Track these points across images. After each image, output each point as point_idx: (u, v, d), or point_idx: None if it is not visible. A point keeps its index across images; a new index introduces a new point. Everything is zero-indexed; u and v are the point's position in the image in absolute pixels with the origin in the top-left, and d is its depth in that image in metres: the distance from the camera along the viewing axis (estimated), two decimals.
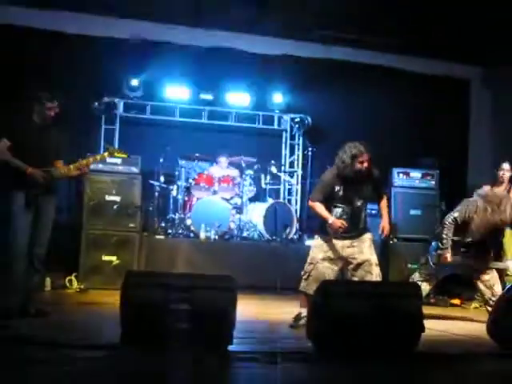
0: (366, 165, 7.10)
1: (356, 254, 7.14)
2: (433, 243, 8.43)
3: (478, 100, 14.18)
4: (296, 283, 7.39)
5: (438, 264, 8.21)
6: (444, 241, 8.22)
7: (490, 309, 7.59)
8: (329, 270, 7.11)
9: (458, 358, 5.66)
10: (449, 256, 8.19)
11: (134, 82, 12.38)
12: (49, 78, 10.91)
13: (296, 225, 11.84)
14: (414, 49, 13.03)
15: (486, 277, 8.12)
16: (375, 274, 7.09)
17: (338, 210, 7.18)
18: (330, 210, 7.20)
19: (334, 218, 7.09)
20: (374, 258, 7.21)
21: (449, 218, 8.26)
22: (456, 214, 8.24)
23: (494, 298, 7.76)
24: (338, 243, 7.15)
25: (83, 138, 11.58)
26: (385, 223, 7.52)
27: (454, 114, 13.82)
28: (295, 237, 11.77)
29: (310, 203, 7.39)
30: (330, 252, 7.14)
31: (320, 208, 7.22)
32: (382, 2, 11.35)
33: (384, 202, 7.61)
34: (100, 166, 10.03)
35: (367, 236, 7.27)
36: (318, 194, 7.33)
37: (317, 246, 7.27)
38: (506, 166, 9.97)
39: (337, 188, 7.18)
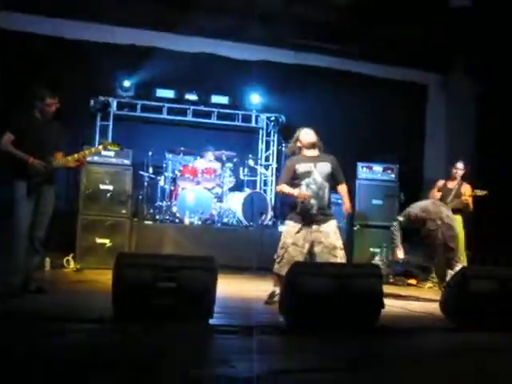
0: (311, 139, 7.32)
1: (322, 239, 7.14)
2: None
3: (434, 103, 14.27)
4: (270, 264, 7.40)
5: (392, 261, 8.32)
6: (394, 241, 8.33)
7: (442, 288, 7.64)
8: (298, 253, 7.11)
9: (413, 332, 5.71)
10: (399, 253, 8.27)
11: (126, 83, 12.49)
12: (50, 79, 10.85)
13: (271, 212, 11.88)
14: (380, 56, 13.15)
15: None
16: (340, 257, 7.09)
17: (302, 186, 7.19)
18: (300, 187, 7.24)
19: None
20: (339, 243, 7.21)
21: (394, 222, 8.42)
22: (400, 218, 8.39)
23: (445, 281, 7.81)
24: (306, 228, 7.16)
25: (80, 132, 11.60)
26: (346, 204, 7.57)
27: (413, 115, 13.93)
28: (270, 223, 11.83)
29: (278, 188, 7.47)
30: (298, 236, 7.14)
31: (286, 187, 7.27)
32: (352, 14, 11.48)
33: (343, 188, 7.57)
34: (95, 158, 10.02)
35: (333, 222, 7.27)
36: (281, 178, 7.42)
37: (287, 232, 7.27)
38: (459, 165, 10.12)
39: (296, 166, 7.23)
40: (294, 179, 7.26)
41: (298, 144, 7.37)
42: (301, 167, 7.23)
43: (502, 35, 11.45)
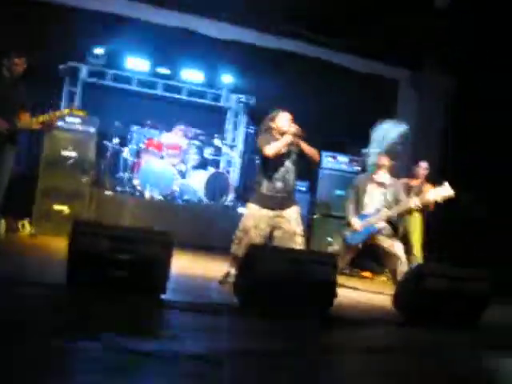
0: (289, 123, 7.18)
1: (283, 224, 7.12)
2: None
3: (404, 99, 14.33)
4: (228, 245, 7.37)
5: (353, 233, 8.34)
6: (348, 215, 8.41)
7: (395, 283, 7.68)
8: (257, 237, 7.07)
9: (362, 323, 5.73)
10: (356, 222, 8.29)
11: (98, 51, 12.24)
12: (21, 40, 10.75)
13: (232, 193, 11.86)
14: (353, 49, 13.20)
15: (392, 258, 8.22)
16: (298, 244, 7.08)
17: (271, 167, 7.14)
18: (264, 169, 7.23)
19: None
20: (300, 229, 7.19)
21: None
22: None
23: (398, 276, 7.85)
24: (268, 212, 7.12)
25: (48, 96, 11.43)
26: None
27: (383, 110, 13.93)
28: (231, 204, 11.79)
29: (267, 152, 7.07)
30: (259, 220, 7.11)
31: (273, 144, 7.07)
32: (330, 4, 11.49)
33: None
34: (60, 123, 9.86)
35: (295, 208, 7.25)
36: (266, 143, 7.12)
37: (248, 214, 7.23)
38: (423, 164, 10.16)
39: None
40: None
41: (272, 124, 7.29)
42: None
43: (473, 33, 11.52)
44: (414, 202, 8.32)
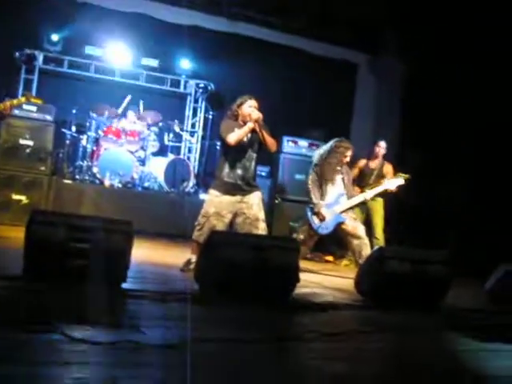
0: (254, 109, 7.12)
1: (245, 210, 7.10)
2: (307, 208, 8.54)
3: (363, 83, 14.40)
4: (189, 232, 7.33)
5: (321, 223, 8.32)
6: (313, 200, 8.37)
7: (358, 266, 7.69)
8: (219, 223, 7.06)
9: (325, 307, 5.72)
10: (325, 212, 8.28)
11: (55, 38, 12.08)
12: None
13: (193, 180, 11.79)
14: (314, 32, 13.20)
15: (355, 241, 8.24)
16: (261, 229, 7.08)
17: (232, 154, 7.13)
18: (225, 156, 7.20)
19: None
20: (262, 215, 7.19)
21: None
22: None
23: (361, 260, 7.89)
24: (230, 198, 7.09)
25: (3, 85, 11.27)
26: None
27: (343, 93, 14.00)
28: (191, 190, 11.72)
29: (229, 140, 6.99)
30: (221, 206, 7.08)
31: (236, 131, 7.02)
32: None
33: None
34: (16, 111, 9.75)
35: (257, 194, 7.23)
36: (228, 131, 7.07)
37: (210, 201, 7.20)
38: (382, 143, 10.22)
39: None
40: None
41: (239, 111, 7.21)
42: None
43: (432, 17, 11.61)
44: (366, 195, 8.62)
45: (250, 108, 7.12)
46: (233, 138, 7.00)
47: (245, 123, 7.09)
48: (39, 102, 8.43)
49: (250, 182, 7.21)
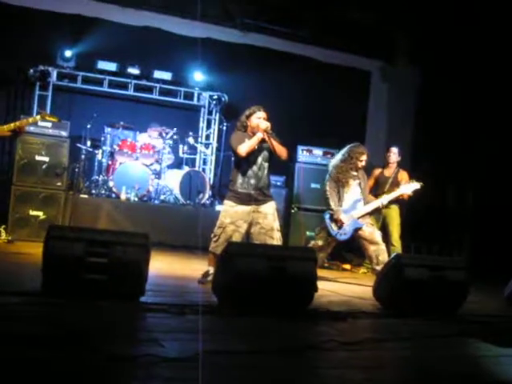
0: (263, 120, 7.19)
1: (260, 219, 7.12)
2: (325, 214, 8.52)
3: (376, 90, 14.40)
4: (206, 244, 7.33)
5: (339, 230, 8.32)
6: (332, 206, 8.36)
7: (375, 274, 7.66)
8: (236, 233, 7.07)
9: (345, 316, 5.69)
10: (341, 216, 8.27)
11: (68, 54, 12.21)
12: None
13: (208, 191, 11.81)
14: (326, 41, 13.24)
15: (372, 247, 8.23)
16: (276, 239, 7.09)
17: (244, 165, 7.18)
18: (238, 167, 7.24)
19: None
20: (276, 224, 7.20)
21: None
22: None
23: (378, 266, 7.87)
24: (245, 208, 7.11)
25: (18, 102, 11.37)
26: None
27: (356, 101, 14.00)
28: (207, 202, 11.74)
29: (239, 151, 7.06)
30: (236, 216, 7.10)
31: (246, 142, 7.08)
32: None
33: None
34: (32, 128, 9.83)
35: (271, 204, 7.26)
36: (238, 142, 7.14)
37: (225, 211, 7.21)
38: (394, 149, 10.21)
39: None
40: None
41: (248, 122, 7.28)
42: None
43: (445, 23, 11.59)
44: (383, 200, 8.63)
45: (258, 119, 7.17)
46: (243, 149, 7.04)
47: (254, 134, 7.12)
48: (55, 120, 8.50)
49: (263, 191, 7.23)
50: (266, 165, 7.25)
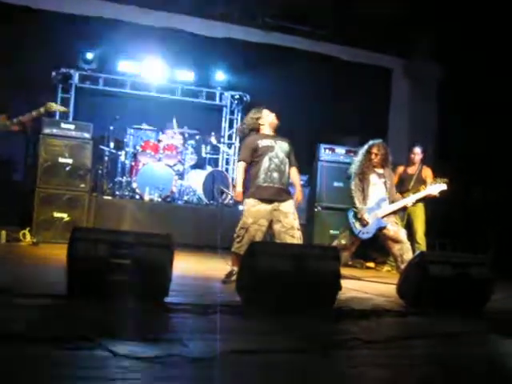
0: (275, 120, 7.50)
1: (281, 218, 7.15)
2: (348, 213, 8.51)
3: (397, 87, 14.36)
4: (229, 244, 7.36)
5: (362, 228, 8.31)
6: (357, 205, 8.34)
7: (400, 272, 7.64)
8: (258, 232, 7.10)
9: (369, 314, 5.69)
10: (365, 215, 8.26)
11: (90, 56, 12.30)
12: (12, 48, 10.85)
13: (232, 191, 11.82)
14: (347, 39, 13.23)
15: (397, 246, 8.20)
16: (297, 238, 7.12)
17: (265, 160, 7.23)
18: (259, 164, 7.28)
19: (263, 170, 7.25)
20: (297, 223, 7.23)
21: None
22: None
23: (402, 265, 7.84)
24: (266, 207, 7.14)
25: (41, 104, 11.43)
26: (297, 189, 7.54)
27: (378, 99, 13.97)
28: (230, 202, 11.75)
29: (237, 163, 7.52)
30: (258, 215, 7.12)
31: (240, 168, 7.37)
32: None
33: (296, 171, 7.59)
34: (54, 130, 9.91)
35: (291, 202, 7.30)
36: (242, 154, 7.43)
37: (247, 211, 7.22)
38: (417, 149, 10.18)
39: (258, 142, 7.31)
40: (255, 156, 7.26)
41: (260, 122, 7.41)
42: (263, 142, 7.31)
43: (466, 22, 11.53)
44: (408, 200, 8.65)
45: (270, 114, 7.50)
46: (237, 166, 7.71)
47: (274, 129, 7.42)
48: (62, 110, 8.54)
49: (285, 186, 7.33)
50: (287, 160, 7.37)
